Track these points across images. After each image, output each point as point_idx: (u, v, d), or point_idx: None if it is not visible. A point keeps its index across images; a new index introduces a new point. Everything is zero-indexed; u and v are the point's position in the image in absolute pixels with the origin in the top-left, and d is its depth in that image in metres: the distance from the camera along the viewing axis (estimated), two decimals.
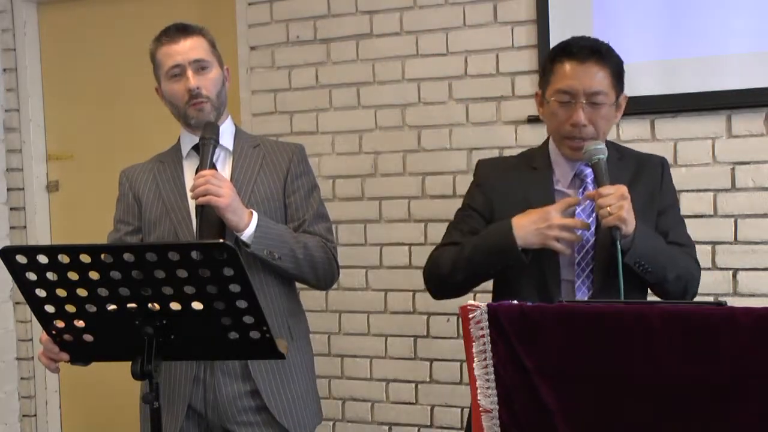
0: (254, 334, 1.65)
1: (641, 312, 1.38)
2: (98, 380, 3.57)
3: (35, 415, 3.79)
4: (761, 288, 2.68)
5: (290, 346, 2.11)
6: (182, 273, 1.57)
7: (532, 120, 2.88)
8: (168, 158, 2.27)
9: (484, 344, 1.48)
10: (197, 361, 2.13)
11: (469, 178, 2.21)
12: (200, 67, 2.16)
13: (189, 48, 2.16)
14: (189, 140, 2.23)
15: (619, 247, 1.86)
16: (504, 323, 1.46)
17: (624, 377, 1.39)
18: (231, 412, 2.15)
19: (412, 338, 3.11)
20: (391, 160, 3.12)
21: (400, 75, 3.10)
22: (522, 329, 1.45)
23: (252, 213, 2.08)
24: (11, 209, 3.75)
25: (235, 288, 1.58)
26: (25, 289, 1.64)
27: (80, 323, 1.68)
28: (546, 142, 2.14)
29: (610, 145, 2.09)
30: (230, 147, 2.24)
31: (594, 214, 1.99)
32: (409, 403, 3.13)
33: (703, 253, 2.71)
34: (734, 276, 2.71)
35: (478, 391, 1.49)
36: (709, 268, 2.72)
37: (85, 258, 1.58)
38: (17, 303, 3.72)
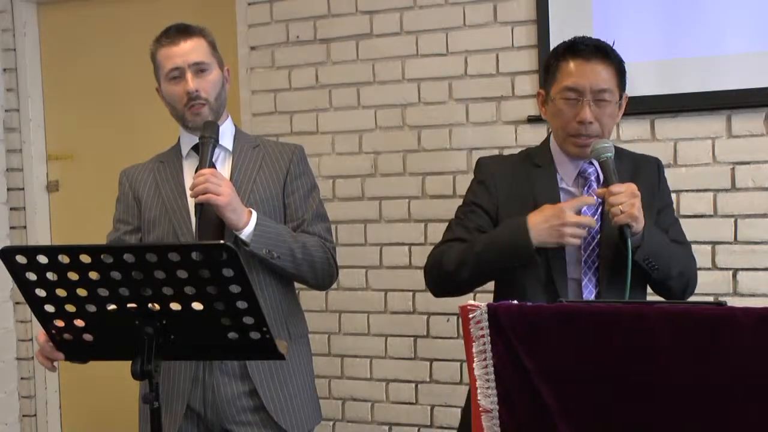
0: (254, 335, 1.65)
1: (641, 312, 1.38)
2: (98, 380, 3.57)
3: (35, 415, 3.79)
4: (761, 288, 2.68)
5: (289, 346, 2.11)
6: (182, 273, 1.57)
7: (532, 120, 2.88)
8: (168, 158, 2.28)
9: (484, 344, 1.48)
10: (196, 361, 2.13)
11: (470, 178, 2.21)
12: (199, 69, 2.16)
13: (189, 50, 2.16)
14: (189, 140, 2.24)
15: (629, 246, 1.87)
16: (504, 323, 1.46)
17: (624, 377, 1.39)
18: (230, 412, 2.15)
19: (412, 338, 3.11)
20: (391, 160, 3.12)
21: (400, 75, 3.10)
22: (522, 329, 1.45)
23: (251, 212, 2.09)
24: (11, 209, 3.75)
25: (235, 289, 1.58)
26: (25, 288, 1.64)
27: (80, 323, 1.68)
28: (546, 141, 2.14)
29: None
30: (230, 147, 2.24)
31: (599, 212, 2.00)
32: (409, 403, 3.13)
33: (703, 253, 2.72)
34: (734, 276, 2.71)
35: (478, 391, 1.49)
36: (709, 268, 2.72)
37: (85, 258, 1.58)
38: (17, 303, 3.72)
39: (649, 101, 2.75)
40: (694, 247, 2.71)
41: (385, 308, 3.15)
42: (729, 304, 1.36)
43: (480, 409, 1.49)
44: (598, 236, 2.00)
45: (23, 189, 3.74)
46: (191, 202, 2.12)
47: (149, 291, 1.60)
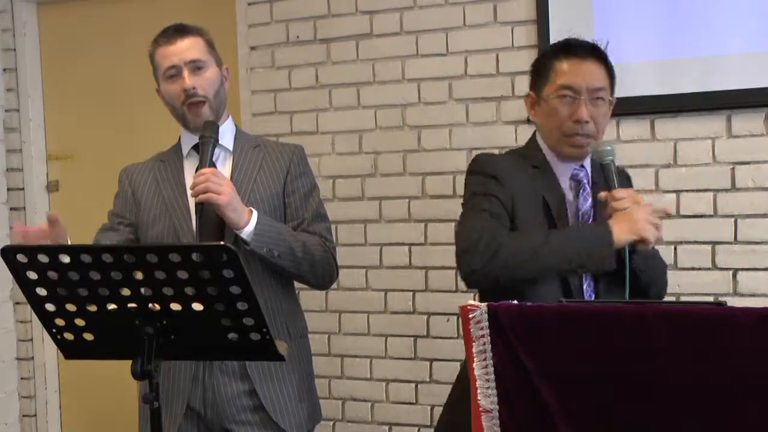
0: (254, 336, 1.65)
1: (641, 312, 1.38)
2: (98, 380, 3.57)
3: (35, 415, 3.79)
4: (761, 288, 2.68)
5: (289, 346, 2.11)
6: (183, 274, 1.57)
7: (532, 120, 2.88)
8: (168, 157, 2.28)
9: (484, 344, 1.48)
10: (196, 361, 2.13)
11: None
12: (196, 67, 2.17)
13: (185, 48, 2.17)
14: (189, 140, 2.24)
15: (627, 249, 1.87)
16: (504, 323, 1.46)
17: (624, 377, 1.39)
18: (230, 411, 2.15)
19: (412, 338, 3.11)
20: (391, 160, 3.12)
21: (400, 75, 3.10)
22: (522, 329, 1.45)
23: (252, 211, 2.09)
24: (11, 209, 3.75)
25: (235, 290, 1.58)
26: (26, 288, 1.64)
27: (81, 322, 1.68)
28: (534, 144, 2.10)
29: None
30: (230, 147, 2.25)
31: (592, 214, 2.00)
32: (409, 403, 3.13)
33: (703, 253, 2.72)
34: (734, 276, 2.71)
35: (478, 391, 1.49)
36: (709, 268, 2.72)
37: (85, 258, 1.58)
38: (17, 303, 3.72)
39: (649, 101, 2.75)
40: (694, 247, 2.74)
41: (385, 308, 3.15)
42: (729, 304, 1.36)
43: (480, 409, 1.49)
44: None
45: (23, 189, 3.74)
46: (192, 201, 2.13)
47: (150, 291, 1.60)
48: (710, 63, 2.70)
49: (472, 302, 1.49)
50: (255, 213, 2.09)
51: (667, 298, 2.73)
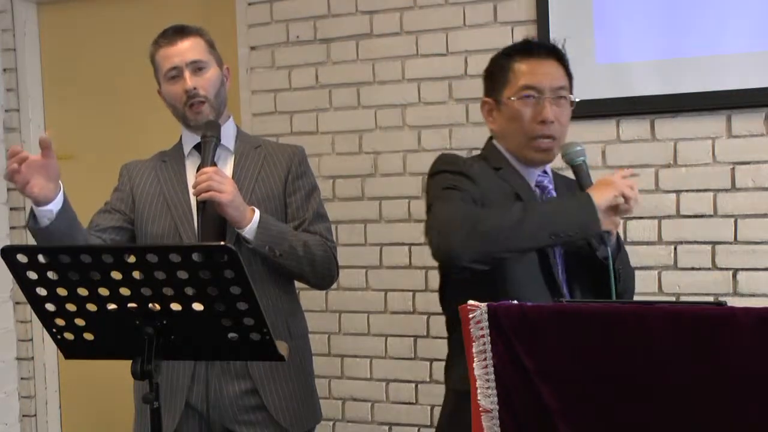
0: (254, 336, 1.65)
1: (641, 312, 1.38)
2: (98, 380, 3.57)
3: (35, 415, 3.79)
4: (761, 288, 2.68)
5: (289, 346, 2.11)
6: (183, 274, 1.57)
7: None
8: (170, 156, 2.29)
9: (484, 344, 1.48)
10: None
11: None
12: (197, 67, 2.18)
13: (186, 49, 2.18)
14: (191, 140, 2.25)
15: (610, 253, 1.82)
16: (504, 323, 1.46)
17: (624, 377, 1.39)
18: (232, 411, 2.15)
19: (412, 338, 3.11)
20: (391, 160, 3.12)
21: (400, 75, 3.10)
22: (522, 329, 1.45)
23: (254, 210, 2.10)
24: (11, 209, 3.75)
25: (235, 290, 1.58)
26: (26, 288, 1.64)
27: (81, 322, 1.69)
28: (492, 148, 2.02)
29: None
30: (231, 147, 2.25)
31: None
32: (409, 403, 3.13)
33: (703, 253, 2.72)
34: (734, 276, 2.71)
35: (478, 391, 1.49)
36: (709, 268, 2.72)
37: (85, 258, 1.58)
38: (17, 303, 3.72)
39: (649, 101, 2.75)
40: (694, 247, 2.74)
41: (385, 308, 3.15)
42: (729, 304, 1.36)
43: (480, 409, 1.49)
44: (562, 249, 1.92)
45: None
46: (193, 200, 2.14)
47: (150, 291, 1.61)
48: (710, 63, 2.70)
49: (472, 302, 1.49)
50: (257, 212, 2.09)
51: (667, 298, 2.74)
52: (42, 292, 1.65)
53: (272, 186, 2.22)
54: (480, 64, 2.97)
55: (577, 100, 1.99)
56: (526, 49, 1.97)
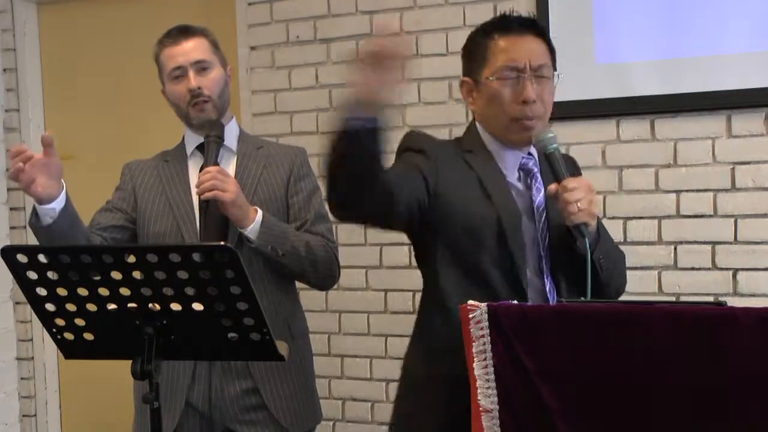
0: (254, 336, 1.65)
1: (641, 312, 1.38)
2: (98, 381, 3.57)
3: (35, 415, 3.79)
4: (761, 288, 2.68)
5: (289, 345, 2.12)
6: (183, 274, 1.57)
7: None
8: (172, 156, 2.30)
9: (484, 344, 1.48)
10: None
11: None
12: (201, 67, 2.19)
13: (190, 49, 2.18)
14: (193, 140, 2.25)
15: (587, 244, 1.69)
16: (504, 323, 1.46)
17: (624, 377, 1.39)
18: (233, 410, 2.16)
19: None
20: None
21: (400, 75, 3.09)
22: (522, 329, 1.45)
23: (257, 210, 2.10)
24: (11, 209, 3.75)
25: (235, 290, 1.59)
26: (26, 288, 1.64)
27: (81, 322, 1.69)
28: (472, 130, 1.93)
29: None
30: (234, 148, 2.26)
31: (544, 207, 1.83)
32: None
33: (703, 253, 2.72)
34: (734, 276, 2.71)
35: (478, 391, 1.49)
36: (709, 268, 2.72)
37: (85, 258, 1.58)
38: (17, 303, 3.72)
39: (649, 101, 2.75)
40: (694, 247, 2.74)
41: (385, 308, 3.15)
42: (729, 304, 1.36)
43: (480, 409, 1.49)
44: (548, 237, 1.82)
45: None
46: (195, 199, 2.14)
47: (150, 291, 1.61)
48: (710, 63, 2.70)
49: (472, 302, 1.50)
50: (260, 212, 2.10)
51: (667, 298, 2.74)
52: (42, 292, 1.65)
53: (274, 187, 2.22)
54: None
55: (560, 75, 1.88)
56: (503, 25, 1.85)
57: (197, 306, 1.62)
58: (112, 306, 1.64)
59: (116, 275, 1.59)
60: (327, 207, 2.33)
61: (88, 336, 1.71)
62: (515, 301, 1.57)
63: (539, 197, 1.84)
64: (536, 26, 1.87)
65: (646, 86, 2.75)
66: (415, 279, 3.07)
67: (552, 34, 2.81)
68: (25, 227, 3.72)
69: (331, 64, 3.19)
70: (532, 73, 1.81)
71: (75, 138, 3.73)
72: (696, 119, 2.74)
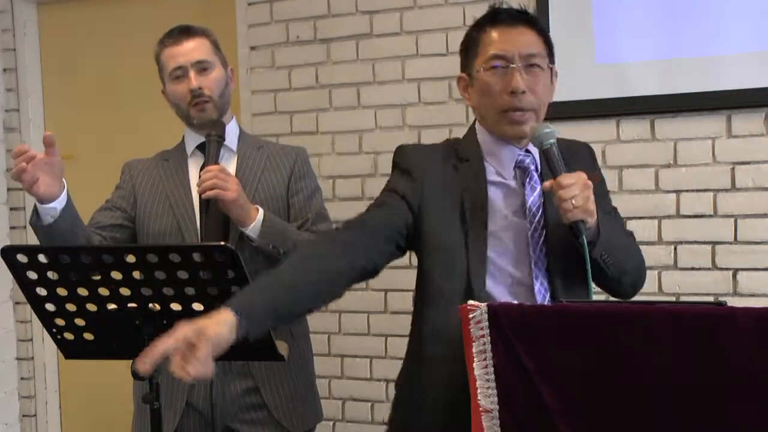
0: None
1: (641, 312, 1.38)
2: (98, 380, 3.57)
3: (35, 415, 3.79)
4: (761, 288, 2.68)
5: (289, 345, 2.12)
6: (183, 274, 1.57)
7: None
8: (172, 155, 2.30)
9: (484, 344, 1.48)
10: None
11: None
12: (202, 68, 2.19)
13: (191, 49, 2.19)
14: (193, 139, 2.25)
15: (585, 242, 1.64)
16: (504, 323, 1.46)
17: (624, 377, 1.39)
18: (233, 410, 2.16)
19: None
20: (391, 160, 3.12)
21: (400, 75, 3.10)
22: (522, 329, 1.45)
23: (258, 209, 2.10)
24: (11, 209, 3.75)
25: (236, 290, 1.58)
26: (26, 288, 1.65)
27: (81, 322, 1.69)
28: (471, 132, 1.90)
29: None
30: (234, 147, 2.26)
31: (541, 205, 1.79)
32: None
33: (703, 253, 2.72)
34: (734, 276, 2.71)
35: (478, 391, 1.49)
36: (709, 268, 2.72)
37: (85, 258, 1.58)
38: (17, 303, 3.72)
39: (649, 101, 2.75)
40: (694, 247, 2.74)
41: (385, 308, 3.15)
42: (729, 304, 1.36)
43: (480, 409, 1.49)
44: (544, 233, 1.78)
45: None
46: (196, 198, 2.14)
47: (150, 291, 1.61)
48: (710, 63, 2.70)
49: (472, 302, 1.50)
50: (261, 210, 2.10)
51: (667, 298, 2.74)
52: (42, 292, 1.65)
53: (275, 186, 2.22)
54: None
55: (558, 70, 1.84)
56: (493, 17, 1.82)
57: (197, 306, 1.62)
58: (112, 306, 1.64)
59: (116, 275, 1.59)
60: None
61: (88, 336, 1.71)
62: (515, 301, 1.57)
63: (533, 196, 1.80)
64: (528, 17, 1.82)
65: (646, 86, 2.75)
66: (415, 279, 3.08)
67: (552, 34, 2.83)
68: (25, 227, 3.72)
69: (331, 64, 3.19)
70: (522, 63, 1.76)
71: (75, 138, 3.73)
72: (696, 119, 2.74)
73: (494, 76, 1.78)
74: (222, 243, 1.65)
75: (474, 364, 1.49)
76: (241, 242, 2.09)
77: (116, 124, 3.65)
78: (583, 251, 1.65)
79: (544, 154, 1.74)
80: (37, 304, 1.67)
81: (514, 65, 1.76)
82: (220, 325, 1.45)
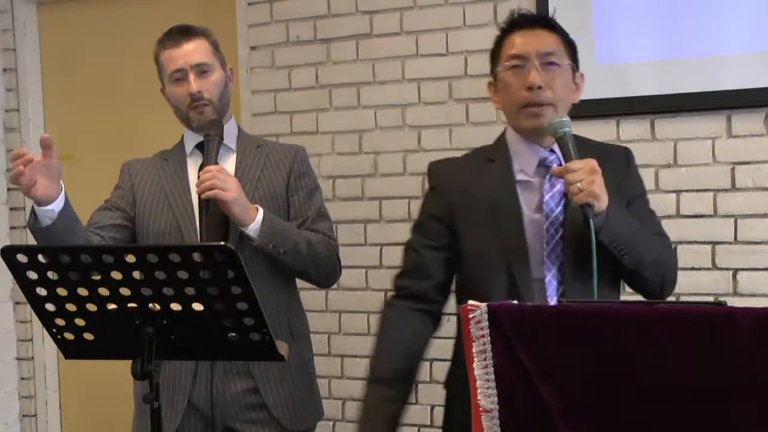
0: (254, 336, 1.65)
1: (641, 312, 1.38)
2: (98, 380, 3.57)
3: (35, 415, 3.79)
4: (761, 288, 2.68)
5: (290, 345, 2.12)
6: (183, 274, 1.57)
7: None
8: (171, 155, 2.30)
9: (484, 344, 1.48)
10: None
11: None
12: (202, 70, 2.19)
13: (191, 51, 2.18)
14: (192, 139, 2.25)
15: (592, 226, 1.70)
16: (504, 323, 1.46)
17: (624, 377, 1.39)
18: (233, 409, 2.16)
19: None
20: (391, 160, 3.12)
21: (400, 75, 3.10)
22: (522, 329, 1.45)
23: (257, 208, 2.10)
24: (11, 209, 3.75)
25: (236, 290, 1.58)
26: (26, 288, 1.64)
27: (81, 322, 1.69)
28: (501, 136, 2.00)
29: None
30: (233, 146, 2.26)
31: (563, 201, 1.85)
32: (409, 403, 3.12)
33: (703, 253, 2.72)
34: (734, 276, 2.71)
35: (478, 391, 1.49)
36: (709, 268, 2.72)
37: (85, 258, 1.58)
38: (17, 303, 3.72)
39: (649, 101, 2.75)
40: (694, 247, 2.74)
41: None
42: (729, 304, 1.36)
43: (480, 409, 1.49)
44: (562, 230, 1.85)
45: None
46: (195, 198, 2.14)
47: (150, 291, 1.60)
48: (710, 63, 2.70)
49: (472, 302, 1.49)
50: (261, 210, 2.10)
51: (667, 298, 2.74)
52: (42, 292, 1.65)
53: (274, 185, 2.22)
54: (480, 64, 2.98)
55: (579, 69, 1.95)
56: (514, 22, 1.94)
57: (197, 306, 1.62)
58: (112, 306, 1.64)
59: (116, 275, 1.59)
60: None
61: (88, 336, 1.71)
62: (515, 301, 1.56)
63: (552, 192, 1.87)
64: (546, 20, 1.94)
65: (646, 86, 2.75)
66: None
67: None
68: (25, 227, 3.72)
69: (331, 64, 3.19)
70: (539, 60, 1.86)
71: (75, 138, 3.74)
72: (696, 119, 2.74)
73: (513, 75, 1.88)
74: (222, 243, 1.64)
75: (474, 364, 1.49)
76: (241, 242, 2.09)
77: (116, 124, 3.65)
78: (588, 234, 1.71)
79: (558, 141, 1.81)
80: (37, 304, 1.67)
81: (530, 62, 1.86)
82: None
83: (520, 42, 1.89)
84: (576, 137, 1.92)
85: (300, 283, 2.28)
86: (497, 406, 1.48)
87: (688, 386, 1.35)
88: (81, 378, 3.71)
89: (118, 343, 1.68)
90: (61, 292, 1.64)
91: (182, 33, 2.21)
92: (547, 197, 1.87)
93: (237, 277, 1.56)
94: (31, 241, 2.10)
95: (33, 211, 1.99)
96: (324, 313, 3.22)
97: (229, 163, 2.23)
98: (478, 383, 1.49)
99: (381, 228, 3.15)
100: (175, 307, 1.62)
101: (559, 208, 1.86)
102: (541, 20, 1.94)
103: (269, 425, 2.17)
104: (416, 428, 3.12)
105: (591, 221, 1.70)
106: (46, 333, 1.76)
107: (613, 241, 1.76)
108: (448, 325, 3.04)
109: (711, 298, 2.64)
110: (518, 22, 1.93)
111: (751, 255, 2.69)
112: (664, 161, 2.78)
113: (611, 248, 1.76)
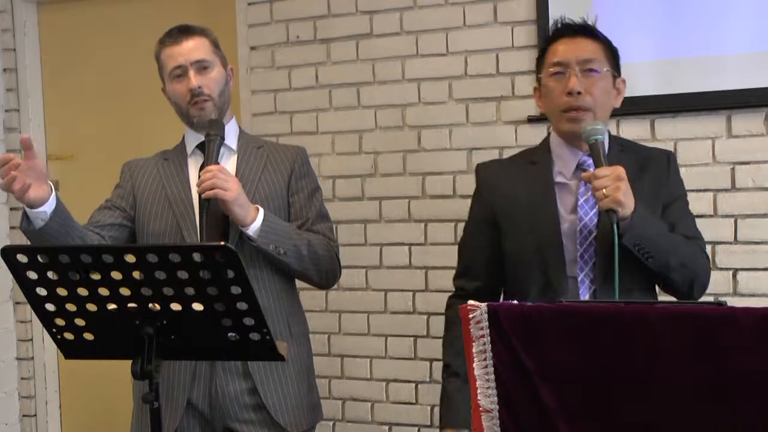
0: (254, 336, 1.65)
1: (641, 312, 1.38)
2: (98, 380, 3.57)
3: (35, 415, 3.79)
4: (761, 288, 2.68)
5: (289, 345, 2.12)
6: (183, 274, 1.57)
7: (532, 120, 2.88)
8: (172, 155, 2.30)
9: (484, 344, 1.48)
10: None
11: (469, 178, 2.23)
12: (202, 67, 2.19)
13: (191, 48, 2.19)
14: (193, 139, 2.25)
15: (615, 230, 1.80)
16: (504, 323, 1.46)
17: (624, 377, 1.39)
18: (232, 409, 2.16)
19: (412, 338, 3.11)
20: (391, 160, 3.12)
21: (400, 75, 3.10)
22: (522, 329, 1.45)
23: (258, 208, 2.10)
24: (11, 209, 3.75)
25: (235, 290, 1.59)
26: (26, 288, 1.64)
27: (81, 322, 1.69)
28: (546, 139, 2.12)
29: (612, 138, 2.07)
30: (234, 147, 2.26)
31: (596, 204, 1.92)
32: (409, 403, 3.13)
33: None
34: (734, 276, 2.71)
35: (478, 391, 1.49)
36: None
37: (85, 258, 1.58)
38: (17, 303, 3.72)
39: (649, 101, 2.75)
40: None
41: (385, 308, 3.15)
42: (729, 304, 1.36)
43: (480, 409, 1.49)
44: (596, 231, 1.94)
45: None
46: (195, 198, 2.14)
47: (150, 291, 1.60)
48: (710, 63, 2.70)
49: (472, 302, 1.49)
50: (261, 210, 2.10)
51: (666, 298, 2.74)
52: (42, 292, 1.65)
53: (275, 185, 2.22)
54: (480, 64, 2.99)
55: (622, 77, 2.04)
56: (557, 31, 2.04)
57: (197, 306, 1.62)
58: (112, 306, 1.64)
59: (116, 275, 1.59)
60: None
61: (88, 336, 1.71)
62: (515, 301, 1.56)
63: (588, 195, 1.95)
64: (588, 29, 2.03)
65: (646, 86, 2.75)
66: (415, 279, 3.10)
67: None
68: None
69: (331, 64, 3.19)
70: (578, 67, 1.96)
71: (75, 138, 3.74)
72: (696, 119, 2.74)
73: (555, 81, 1.98)
74: (222, 243, 1.64)
75: (474, 364, 1.49)
76: (241, 242, 2.09)
77: (116, 124, 3.65)
78: (612, 237, 1.80)
79: (590, 147, 1.92)
80: (37, 304, 1.67)
81: (570, 69, 1.96)
82: None
83: (562, 50, 1.99)
84: (621, 140, 2.11)
85: (300, 283, 2.28)
86: (497, 406, 1.48)
87: (688, 386, 1.35)
88: (81, 378, 3.71)
89: (117, 343, 1.68)
90: (61, 292, 1.64)
91: (182, 32, 2.22)
92: (581, 200, 1.97)
93: (237, 278, 1.57)
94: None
95: (24, 214, 1.98)
96: (324, 313, 3.22)
97: (230, 164, 2.24)
98: (478, 383, 1.49)
99: (381, 228, 3.15)
100: (175, 307, 1.62)
101: (594, 210, 1.95)
102: (583, 29, 2.03)
103: (268, 425, 2.17)
104: (416, 428, 3.12)
105: (614, 226, 1.80)
106: (46, 333, 1.76)
107: (636, 245, 1.85)
108: None
109: (711, 298, 2.64)
110: (562, 31, 2.03)
111: (751, 255, 2.69)
112: None
113: (635, 252, 1.85)
